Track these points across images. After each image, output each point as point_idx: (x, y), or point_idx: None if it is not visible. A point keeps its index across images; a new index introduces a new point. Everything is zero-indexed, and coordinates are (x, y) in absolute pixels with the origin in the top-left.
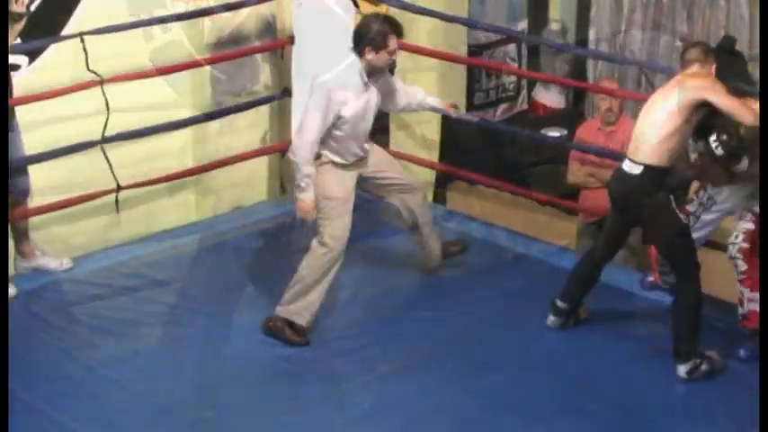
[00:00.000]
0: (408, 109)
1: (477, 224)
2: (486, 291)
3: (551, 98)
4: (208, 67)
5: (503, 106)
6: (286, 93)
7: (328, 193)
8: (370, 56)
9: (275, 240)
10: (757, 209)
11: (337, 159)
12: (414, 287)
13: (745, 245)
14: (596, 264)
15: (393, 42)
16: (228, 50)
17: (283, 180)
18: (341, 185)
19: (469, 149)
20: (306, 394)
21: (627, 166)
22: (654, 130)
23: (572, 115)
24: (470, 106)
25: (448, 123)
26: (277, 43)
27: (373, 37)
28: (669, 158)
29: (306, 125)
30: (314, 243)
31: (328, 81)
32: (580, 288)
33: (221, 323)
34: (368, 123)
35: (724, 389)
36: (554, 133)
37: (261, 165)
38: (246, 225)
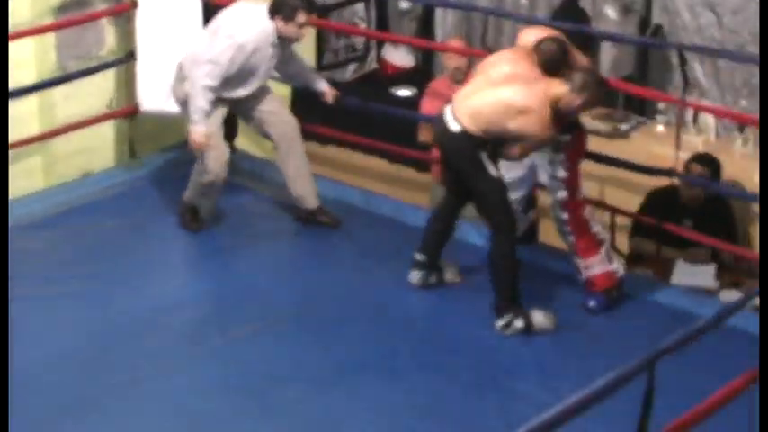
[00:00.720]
0: (294, 79)
1: (328, 183)
2: (340, 249)
3: (400, 57)
4: (52, 32)
5: (353, 66)
6: (131, 56)
7: None
8: (279, 24)
9: (126, 205)
10: (561, 173)
11: (220, 95)
12: (266, 246)
13: (566, 215)
14: (448, 213)
15: (301, 17)
16: (73, 14)
17: (132, 144)
18: (213, 118)
19: (321, 107)
20: (159, 358)
21: (449, 119)
22: (485, 100)
23: (421, 74)
24: (320, 67)
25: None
26: (122, 7)
27: (284, 9)
28: (487, 129)
29: (212, 70)
30: (197, 166)
31: (241, 37)
32: (436, 239)
33: (74, 291)
34: (261, 77)
35: (576, 340)
36: (404, 92)
37: (109, 130)
38: (96, 191)
